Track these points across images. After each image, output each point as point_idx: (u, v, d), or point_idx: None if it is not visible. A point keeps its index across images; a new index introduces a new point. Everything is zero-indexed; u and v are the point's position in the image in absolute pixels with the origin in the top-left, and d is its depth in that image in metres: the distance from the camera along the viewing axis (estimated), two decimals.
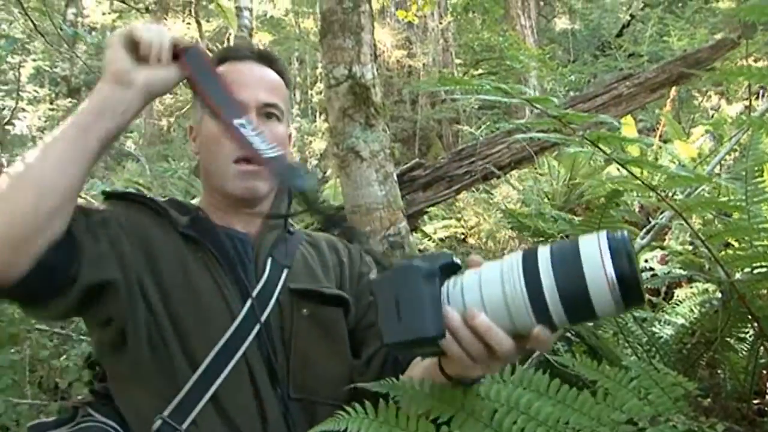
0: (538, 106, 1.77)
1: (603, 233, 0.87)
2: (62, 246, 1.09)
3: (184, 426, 1.16)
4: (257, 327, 1.28)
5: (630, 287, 0.85)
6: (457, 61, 13.13)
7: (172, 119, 15.79)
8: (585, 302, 0.86)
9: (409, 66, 11.88)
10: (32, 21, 5.42)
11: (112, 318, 1.21)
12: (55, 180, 1.06)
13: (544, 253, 0.90)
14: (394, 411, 0.99)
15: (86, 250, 1.15)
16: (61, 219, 1.08)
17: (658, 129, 6.30)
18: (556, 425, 1.00)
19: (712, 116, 6.55)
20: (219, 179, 1.38)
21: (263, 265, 1.37)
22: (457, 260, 0.97)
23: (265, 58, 1.47)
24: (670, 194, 1.97)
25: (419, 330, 0.91)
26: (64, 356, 3.05)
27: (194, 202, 1.55)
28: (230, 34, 9.53)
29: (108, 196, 1.36)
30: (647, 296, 3.66)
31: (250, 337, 1.26)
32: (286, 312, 1.34)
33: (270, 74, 1.45)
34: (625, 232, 0.87)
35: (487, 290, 0.91)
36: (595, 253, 0.86)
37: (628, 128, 5.45)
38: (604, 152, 1.85)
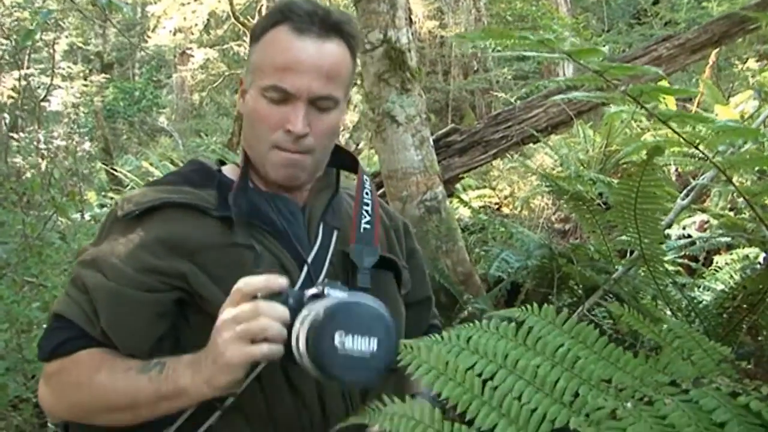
0: (580, 61, 1.74)
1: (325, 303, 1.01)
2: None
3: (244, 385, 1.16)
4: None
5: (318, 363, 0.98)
6: None
7: (204, 93, 15.85)
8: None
9: (441, 36, 11.80)
10: None
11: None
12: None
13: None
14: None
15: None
16: None
17: (695, 97, 6.18)
18: (599, 384, 1.00)
19: (753, 83, 6.40)
20: (259, 159, 1.30)
21: (316, 230, 1.34)
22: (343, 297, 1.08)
23: (331, 27, 1.26)
24: (712, 155, 1.93)
25: None
26: None
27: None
28: (261, 7, 9.50)
29: (130, 216, 1.23)
30: (686, 262, 3.63)
31: None
32: (339, 275, 1.31)
33: (331, 54, 1.26)
34: (342, 306, 1.00)
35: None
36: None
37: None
38: (645, 109, 1.81)
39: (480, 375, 0.98)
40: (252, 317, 1.03)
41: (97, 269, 1.19)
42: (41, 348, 1.21)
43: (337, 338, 0.96)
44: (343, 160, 1.42)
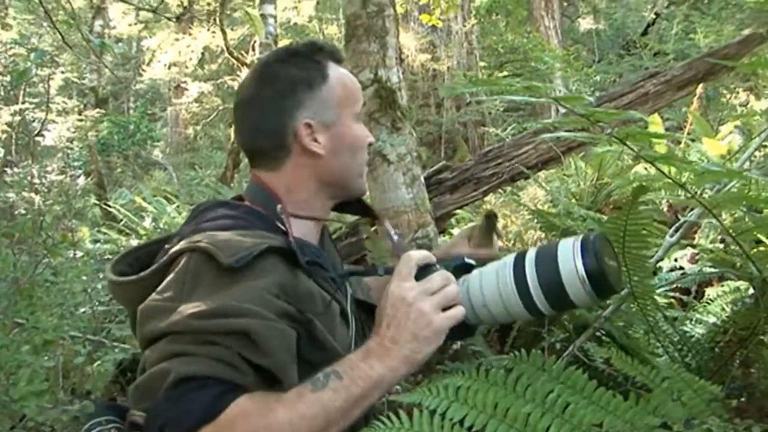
0: (566, 105, 1.76)
1: (579, 236, 1.11)
2: None
3: None
4: (354, 334, 1.33)
5: (598, 281, 1.07)
6: (482, 63, 13.11)
7: (198, 127, 15.90)
8: (562, 293, 1.08)
9: (434, 69, 11.90)
10: (60, 33, 5.51)
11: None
12: None
13: (531, 252, 1.13)
14: (428, 419, 1.01)
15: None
16: None
17: (685, 127, 6.23)
18: (590, 429, 1.01)
19: (741, 113, 6.45)
20: (349, 178, 1.40)
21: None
22: (470, 261, 1.24)
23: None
24: (699, 192, 1.95)
25: None
26: (98, 362, 3.08)
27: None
28: (255, 42, 9.58)
29: (241, 263, 1.12)
30: (678, 295, 3.63)
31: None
32: (356, 317, 1.37)
33: None
34: (599, 235, 1.11)
35: (485, 281, 1.14)
36: (568, 252, 1.09)
37: (655, 127, 5.39)
38: (632, 150, 1.83)
39: (471, 428, 0.99)
40: (444, 286, 1.13)
41: (229, 315, 1.07)
42: (179, 422, 1.01)
43: (603, 259, 1.09)
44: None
